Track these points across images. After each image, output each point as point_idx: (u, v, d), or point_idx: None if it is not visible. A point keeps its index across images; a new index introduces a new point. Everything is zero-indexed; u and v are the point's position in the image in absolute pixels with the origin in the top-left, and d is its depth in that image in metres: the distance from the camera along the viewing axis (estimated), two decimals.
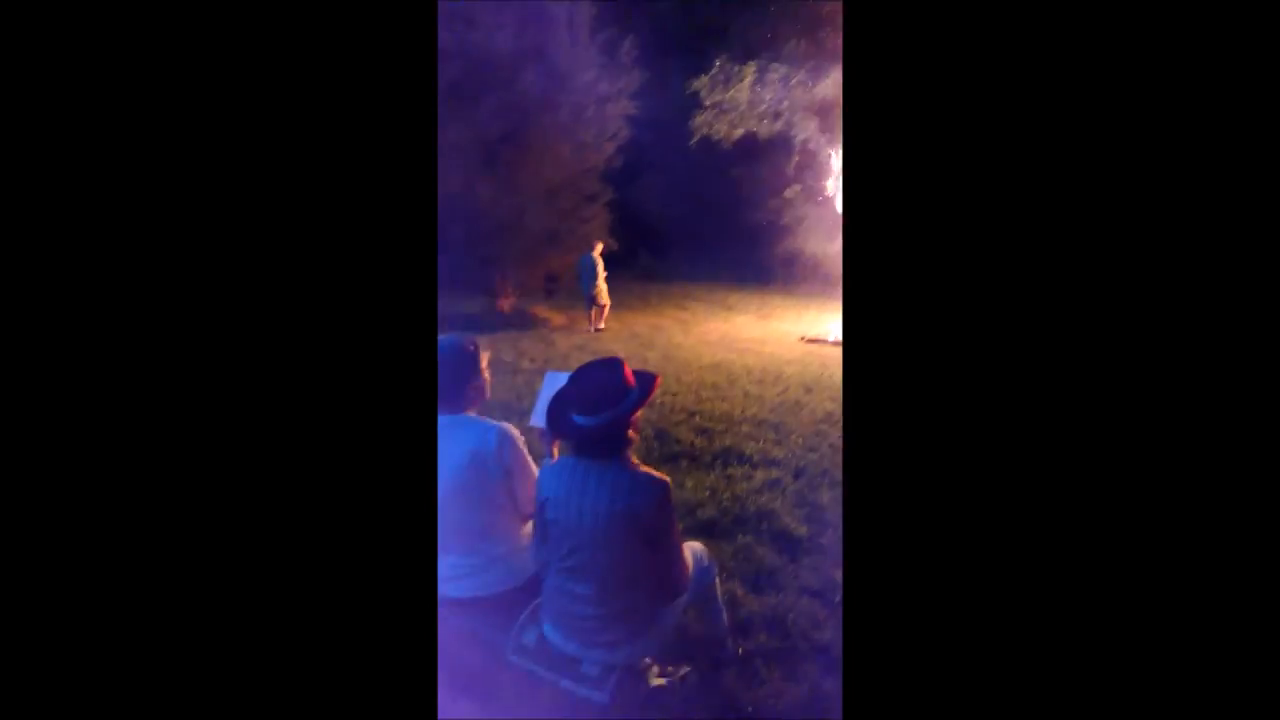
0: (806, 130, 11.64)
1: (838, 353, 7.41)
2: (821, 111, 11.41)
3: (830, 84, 10.99)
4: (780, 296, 13.89)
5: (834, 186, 10.41)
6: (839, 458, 4.19)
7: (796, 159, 12.45)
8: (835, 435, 4.67)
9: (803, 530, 3.20)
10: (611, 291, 9.84)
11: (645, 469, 1.71)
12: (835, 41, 10.61)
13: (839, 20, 9.89)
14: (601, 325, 9.55)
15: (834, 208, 10.30)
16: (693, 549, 2.06)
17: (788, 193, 13.17)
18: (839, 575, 2.79)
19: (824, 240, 12.17)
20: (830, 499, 3.59)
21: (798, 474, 3.95)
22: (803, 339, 8.35)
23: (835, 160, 10.48)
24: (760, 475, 3.90)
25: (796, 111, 11.46)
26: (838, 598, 2.60)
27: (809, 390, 5.92)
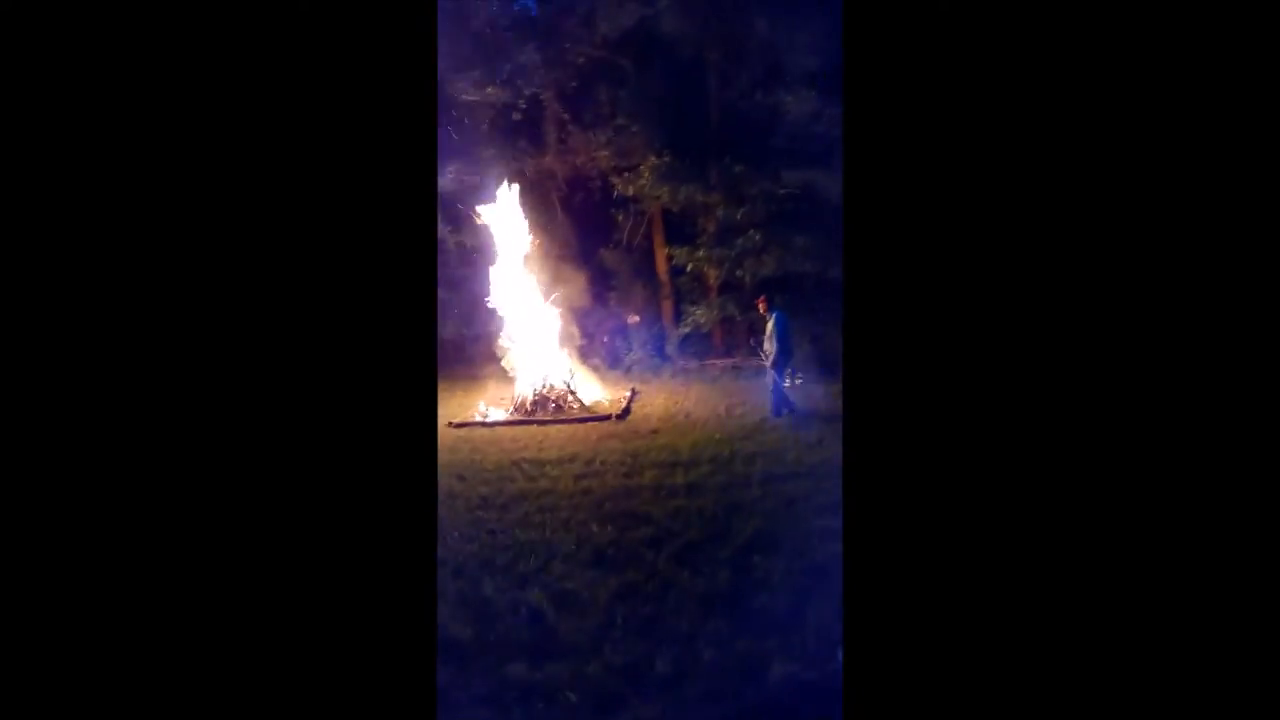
0: None
1: (490, 434, 7.49)
2: (443, 202, 11.72)
3: (449, 177, 11.39)
4: None
5: (465, 270, 10.65)
6: (499, 542, 4.20)
7: None
8: (492, 520, 4.68)
9: (467, 633, 3.11)
10: None
11: None
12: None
13: None
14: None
15: (466, 291, 10.51)
16: None
17: None
18: (517, 673, 2.77)
19: (458, 323, 12.21)
20: (494, 589, 3.57)
21: (457, 572, 3.84)
22: (451, 424, 8.28)
23: (457, 245, 10.77)
24: None
25: None
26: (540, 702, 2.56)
27: (462, 479, 5.85)
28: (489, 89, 10.99)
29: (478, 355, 10.51)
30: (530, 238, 9.02)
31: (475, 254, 10.11)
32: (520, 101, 11.36)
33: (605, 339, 11.74)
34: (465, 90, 10.88)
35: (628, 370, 10.97)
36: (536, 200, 11.33)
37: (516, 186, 9.20)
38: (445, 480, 5.66)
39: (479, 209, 9.08)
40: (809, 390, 7.86)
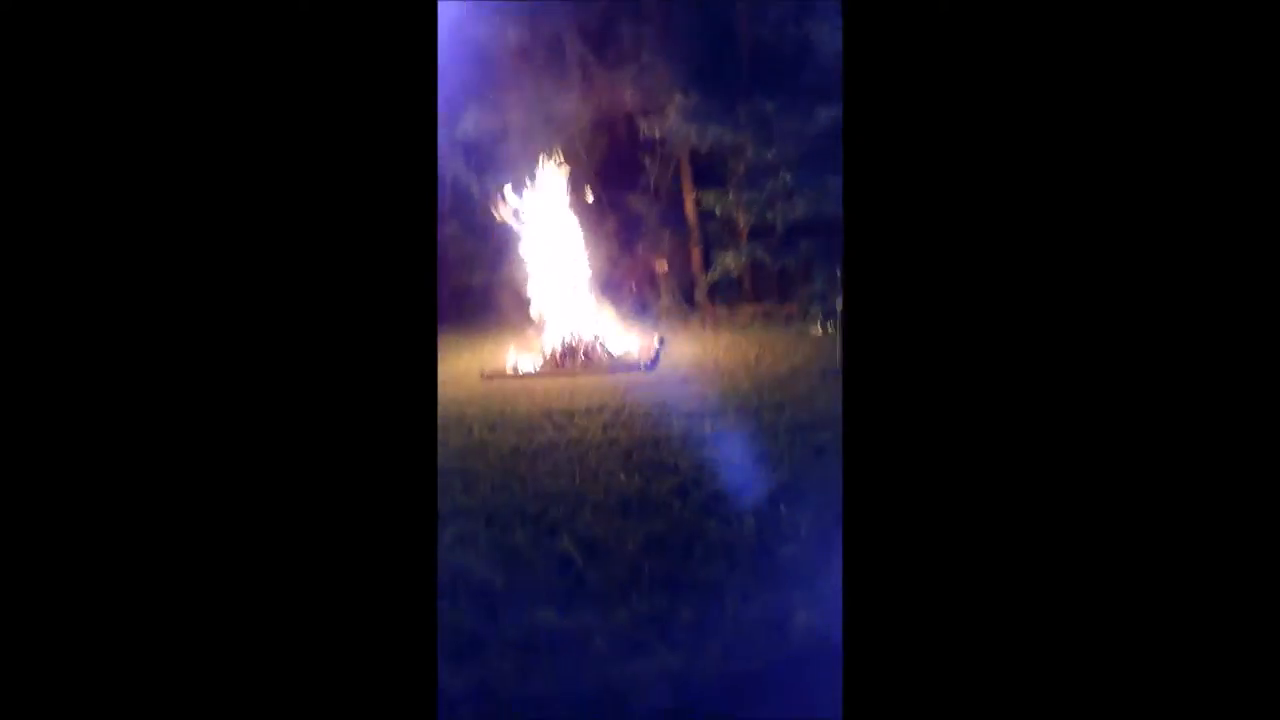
0: (454, 169, 11.71)
1: (521, 385, 7.58)
2: (467, 149, 11.61)
3: (471, 123, 11.25)
4: (453, 334, 13.76)
5: (491, 217, 10.65)
6: (531, 491, 4.29)
7: (449, 198, 12.46)
8: (523, 467, 4.77)
9: (499, 579, 3.20)
10: None
11: None
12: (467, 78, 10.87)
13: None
14: None
15: (493, 240, 10.54)
16: None
17: (447, 229, 13.13)
18: (547, 619, 2.86)
19: (487, 272, 12.34)
20: (524, 537, 3.66)
21: (489, 520, 3.94)
22: (483, 375, 8.39)
23: (482, 193, 10.73)
24: (451, 530, 3.79)
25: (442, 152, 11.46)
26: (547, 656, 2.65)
27: (493, 430, 5.95)
28: (508, 30, 10.65)
29: (506, 303, 10.56)
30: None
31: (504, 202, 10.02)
32: (540, 42, 11.02)
33: (633, 286, 11.66)
34: (481, 30, 10.56)
35: (656, 319, 10.92)
36: (561, 149, 11.13)
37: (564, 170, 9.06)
38: (478, 431, 5.77)
39: (505, 194, 9.02)
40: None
